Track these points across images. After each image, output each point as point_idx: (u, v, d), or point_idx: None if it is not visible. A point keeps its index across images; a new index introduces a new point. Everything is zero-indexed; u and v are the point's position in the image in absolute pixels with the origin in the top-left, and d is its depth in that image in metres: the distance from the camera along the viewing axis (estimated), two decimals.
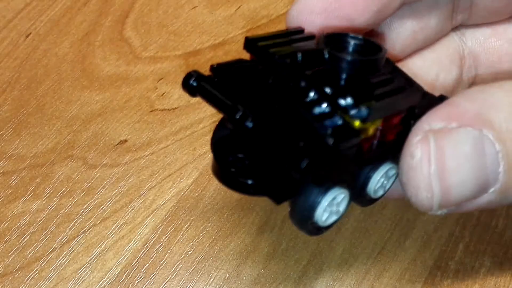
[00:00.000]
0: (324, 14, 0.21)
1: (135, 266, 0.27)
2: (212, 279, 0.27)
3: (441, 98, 0.20)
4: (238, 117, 0.17)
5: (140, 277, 0.27)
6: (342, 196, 0.18)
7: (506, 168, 0.17)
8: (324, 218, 0.18)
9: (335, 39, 0.20)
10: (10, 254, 0.28)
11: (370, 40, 0.20)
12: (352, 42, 0.20)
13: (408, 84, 0.20)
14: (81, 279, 0.27)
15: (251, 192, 0.19)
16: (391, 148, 0.19)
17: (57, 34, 0.35)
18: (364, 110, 0.17)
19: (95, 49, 0.35)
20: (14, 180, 0.30)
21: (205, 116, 0.31)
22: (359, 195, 0.20)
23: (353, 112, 0.17)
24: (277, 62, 0.18)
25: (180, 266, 0.27)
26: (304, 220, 0.19)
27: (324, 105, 0.17)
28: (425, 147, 0.17)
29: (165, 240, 0.28)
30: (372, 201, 0.20)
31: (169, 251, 0.28)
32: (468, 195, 0.17)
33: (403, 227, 0.28)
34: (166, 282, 0.27)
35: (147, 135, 0.31)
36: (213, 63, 0.19)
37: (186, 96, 0.32)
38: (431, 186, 0.17)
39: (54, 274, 0.27)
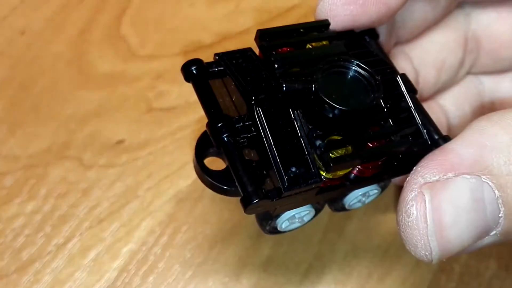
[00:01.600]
0: (360, 2, 0.21)
1: (132, 269, 0.27)
2: (211, 283, 0.27)
3: (444, 139, 0.20)
4: (253, 100, 0.17)
5: (137, 281, 0.27)
6: (306, 212, 0.20)
7: (507, 213, 0.17)
8: (284, 226, 0.20)
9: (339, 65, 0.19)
10: (5, 256, 0.28)
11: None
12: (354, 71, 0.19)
13: (419, 131, 0.19)
14: (77, 282, 0.27)
15: (225, 194, 0.20)
16: (374, 179, 0.19)
17: (52, 31, 0.35)
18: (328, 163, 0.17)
19: (91, 47, 0.34)
20: (9, 181, 0.30)
21: (203, 116, 0.31)
22: (334, 202, 0.21)
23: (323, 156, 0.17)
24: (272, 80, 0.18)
25: (178, 269, 0.27)
26: (263, 224, 0.20)
27: (299, 143, 0.17)
28: (421, 204, 0.17)
29: (163, 243, 0.28)
30: (345, 210, 0.21)
31: (167, 254, 0.27)
32: (467, 244, 0.17)
33: None
34: (164, 286, 0.27)
35: (145, 135, 0.31)
36: (217, 52, 0.20)
37: (184, 95, 0.31)
38: (428, 244, 0.17)
39: (49, 277, 0.27)
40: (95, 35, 0.35)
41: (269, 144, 0.17)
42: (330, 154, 0.17)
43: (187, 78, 0.20)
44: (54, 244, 0.28)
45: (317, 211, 0.21)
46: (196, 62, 0.20)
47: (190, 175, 0.29)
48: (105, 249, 0.28)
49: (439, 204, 0.17)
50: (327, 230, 0.28)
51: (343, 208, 0.21)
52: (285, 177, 0.17)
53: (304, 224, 0.22)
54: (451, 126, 0.26)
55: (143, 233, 0.28)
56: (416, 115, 0.19)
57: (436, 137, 0.20)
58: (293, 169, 0.17)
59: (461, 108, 0.27)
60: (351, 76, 0.18)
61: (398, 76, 0.20)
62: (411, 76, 0.23)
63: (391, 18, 0.22)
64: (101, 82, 0.33)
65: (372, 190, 0.21)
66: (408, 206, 0.17)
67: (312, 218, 0.22)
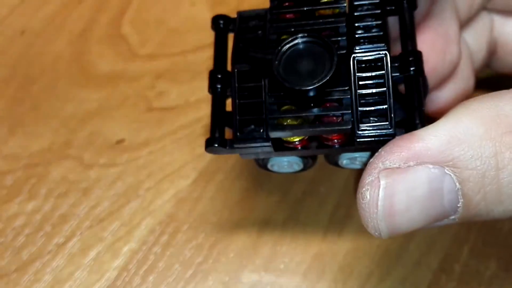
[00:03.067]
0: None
1: (132, 268, 0.27)
2: (211, 283, 0.27)
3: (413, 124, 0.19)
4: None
5: (137, 280, 0.27)
6: (293, 161, 0.22)
7: (466, 204, 0.17)
8: (273, 168, 0.23)
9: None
10: (5, 255, 0.28)
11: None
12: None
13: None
14: (77, 282, 0.27)
15: None
16: (336, 148, 0.21)
17: (53, 31, 0.35)
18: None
19: (92, 46, 0.34)
20: (9, 180, 0.30)
21: (204, 115, 0.31)
22: (332, 160, 0.22)
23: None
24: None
25: (179, 269, 0.27)
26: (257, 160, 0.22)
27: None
28: (374, 190, 0.17)
29: (163, 242, 0.28)
30: (340, 166, 0.23)
31: (167, 253, 0.27)
32: (419, 227, 0.18)
33: None
34: (164, 285, 0.27)
35: (145, 134, 0.31)
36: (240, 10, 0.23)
37: (184, 95, 0.31)
38: (378, 226, 0.17)
39: (50, 276, 0.27)
40: (95, 34, 0.35)
41: (234, 103, 0.20)
42: (280, 121, 0.19)
43: (214, 29, 0.23)
44: (55, 244, 0.28)
45: (306, 163, 0.23)
46: (223, 17, 0.23)
47: (190, 175, 0.29)
48: (105, 249, 0.28)
49: (393, 192, 0.17)
50: (327, 230, 0.28)
51: (336, 164, 0.23)
52: (238, 133, 0.20)
53: (297, 172, 0.23)
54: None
55: (143, 232, 0.28)
56: (389, 98, 0.19)
57: (417, 122, 0.19)
58: (250, 127, 0.20)
59: (480, 45, 0.27)
60: (313, 51, 0.19)
61: (387, 55, 0.20)
62: (449, 5, 0.23)
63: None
64: (101, 82, 0.33)
65: (359, 158, 0.22)
66: (363, 189, 0.17)
67: (303, 168, 0.23)
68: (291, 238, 0.27)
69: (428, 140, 0.17)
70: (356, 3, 0.21)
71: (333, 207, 0.28)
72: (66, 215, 0.29)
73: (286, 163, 0.23)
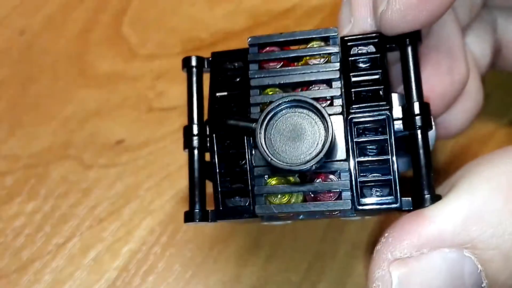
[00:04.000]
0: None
1: (132, 269, 0.27)
2: (211, 283, 0.27)
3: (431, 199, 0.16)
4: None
5: (137, 280, 0.27)
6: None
7: (490, 284, 0.15)
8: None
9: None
10: (5, 256, 0.28)
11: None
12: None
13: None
14: (77, 282, 0.27)
15: None
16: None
17: (52, 31, 0.35)
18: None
19: (92, 47, 0.34)
20: (9, 180, 0.30)
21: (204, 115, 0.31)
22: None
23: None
24: None
25: (179, 269, 0.27)
26: None
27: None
28: (385, 286, 0.15)
29: (163, 243, 0.28)
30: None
31: (167, 253, 0.27)
32: None
33: None
34: (164, 285, 0.27)
35: (145, 134, 0.31)
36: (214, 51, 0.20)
37: (184, 95, 0.31)
38: None
39: (49, 276, 0.27)
40: (95, 35, 0.34)
41: (215, 172, 0.18)
42: (268, 197, 0.17)
43: (186, 71, 0.20)
44: (54, 244, 0.28)
45: None
46: (197, 58, 0.20)
47: None
48: (105, 249, 0.28)
49: (408, 287, 0.15)
50: (327, 230, 0.28)
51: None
52: (220, 207, 0.18)
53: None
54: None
55: (143, 232, 0.28)
56: (393, 166, 0.16)
57: (426, 193, 0.16)
58: (234, 199, 0.18)
59: (485, 49, 0.25)
60: (302, 117, 0.16)
61: (389, 117, 0.17)
62: (449, 16, 0.21)
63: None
64: (101, 82, 0.33)
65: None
66: (373, 285, 0.15)
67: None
68: (291, 238, 0.27)
69: (440, 221, 0.15)
70: (350, 42, 0.18)
71: None
72: (66, 216, 0.29)
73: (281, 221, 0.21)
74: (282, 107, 0.16)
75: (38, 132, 0.31)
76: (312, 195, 0.17)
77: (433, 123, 0.18)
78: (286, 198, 0.17)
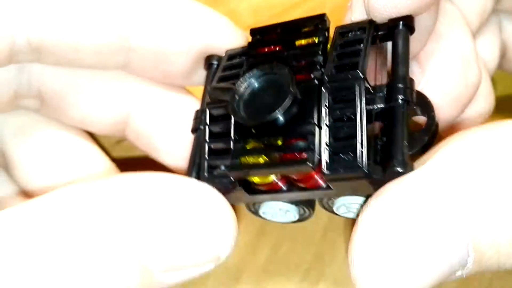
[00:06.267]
0: None
1: None
2: (211, 283, 0.27)
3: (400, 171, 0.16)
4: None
5: None
6: (286, 209, 0.21)
7: (477, 259, 0.16)
8: (266, 216, 0.22)
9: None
10: None
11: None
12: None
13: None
14: None
15: None
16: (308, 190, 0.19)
17: None
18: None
19: None
20: None
21: None
22: (327, 206, 0.20)
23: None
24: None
25: None
26: (249, 205, 0.21)
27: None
28: (368, 263, 0.15)
29: None
30: (334, 213, 0.21)
31: None
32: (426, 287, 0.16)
33: None
34: None
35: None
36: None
37: None
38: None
39: None
40: None
41: (203, 140, 0.20)
42: (242, 159, 0.18)
43: (206, 68, 0.22)
44: None
45: (301, 213, 0.22)
46: (216, 57, 0.22)
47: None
48: None
49: (390, 263, 0.15)
50: (327, 230, 0.27)
51: (332, 211, 0.21)
52: (206, 173, 0.19)
53: (294, 222, 0.22)
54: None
55: None
56: (360, 130, 0.17)
57: (397, 157, 0.16)
58: (219, 169, 0.19)
59: (493, 52, 0.26)
60: (275, 85, 0.18)
61: (361, 83, 0.17)
62: (461, 21, 0.22)
63: None
64: None
65: (353, 204, 0.19)
66: (353, 256, 0.16)
67: (300, 219, 0.22)
68: (291, 238, 0.27)
69: (431, 191, 0.15)
70: (341, 30, 0.19)
71: None
72: None
73: (279, 211, 0.21)
74: (253, 78, 0.18)
75: None
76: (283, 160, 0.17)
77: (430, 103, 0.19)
78: (261, 161, 0.18)
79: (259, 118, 0.17)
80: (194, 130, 0.21)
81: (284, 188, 0.19)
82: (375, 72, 0.19)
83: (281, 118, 0.17)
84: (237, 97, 0.18)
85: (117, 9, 0.21)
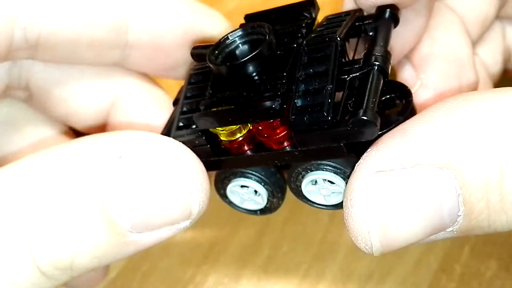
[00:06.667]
0: None
1: (132, 269, 0.27)
2: (211, 283, 0.26)
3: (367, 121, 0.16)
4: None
5: (137, 280, 0.27)
6: (252, 186, 0.20)
7: (467, 213, 0.15)
8: (232, 199, 0.21)
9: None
10: None
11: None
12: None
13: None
14: None
15: None
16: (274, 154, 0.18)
17: None
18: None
19: None
20: None
21: None
22: (289, 180, 0.19)
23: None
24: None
25: (179, 269, 0.27)
26: (218, 186, 0.21)
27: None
28: (365, 197, 0.15)
29: (162, 243, 0.27)
30: (305, 198, 0.20)
31: (167, 254, 0.27)
32: (415, 240, 0.16)
33: None
34: (164, 286, 0.27)
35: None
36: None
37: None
38: (369, 239, 0.15)
39: None
40: None
41: (180, 101, 0.20)
42: (212, 109, 0.18)
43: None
44: None
45: (271, 201, 0.21)
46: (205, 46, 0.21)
47: None
48: None
49: (387, 200, 0.15)
50: (327, 231, 0.27)
51: (300, 192, 0.20)
52: (176, 127, 0.19)
53: (261, 210, 0.21)
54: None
55: None
56: (329, 87, 0.17)
57: (361, 114, 0.16)
58: (190, 124, 0.19)
59: (496, 58, 0.26)
60: (254, 44, 0.19)
61: (336, 43, 0.18)
62: (458, 27, 0.22)
63: None
64: None
65: (332, 186, 0.19)
66: (352, 195, 0.15)
67: (267, 206, 0.21)
68: (291, 238, 0.27)
69: (424, 137, 0.15)
70: (330, 17, 0.20)
71: None
72: None
73: (246, 193, 0.20)
74: (236, 35, 0.19)
75: None
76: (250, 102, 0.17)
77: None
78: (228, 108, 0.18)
79: (232, 63, 0.18)
80: (175, 102, 0.22)
81: (249, 152, 0.19)
82: (354, 54, 0.19)
83: (251, 65, 0.17)
84: (217, 50, 0.19)
85: (114, 3, 0.21)
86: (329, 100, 0.16)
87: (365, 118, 0.16)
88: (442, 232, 0.16)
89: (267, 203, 0.20)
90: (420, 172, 0.15)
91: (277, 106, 0.17)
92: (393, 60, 0.21)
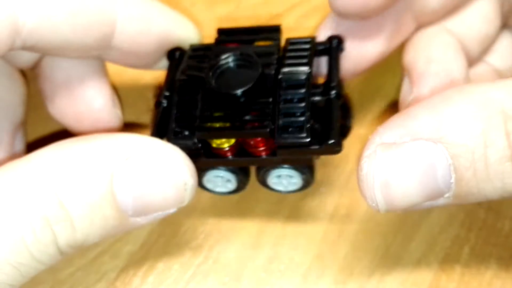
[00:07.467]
0: None
1: (132, 269, 0.27)
2: (211, 283, 0.26)
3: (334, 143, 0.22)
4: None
5: (137, 281, 0.27)
6: (226, 179, 0.25)
7: (458, 179, 0.18)
8: (208, 186, 0.26)
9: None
10: None
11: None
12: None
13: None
14: (76, 282, 0.27)
15: None
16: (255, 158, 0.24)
17: None
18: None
19: None
20: None
21: None
22: (258, 173, 0.25)
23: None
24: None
25: (178, 269, 0.27)
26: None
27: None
28: (371, 161, 0.19)
29: (162, 243, 0.28)
30: (269, 188, 0.26)
31: (167, 254, 0.27)
32: (416, 202, 0.19)
33: (408, 229, 0.27)
34: (164, 286, 0.27)
35: (145, 134, 0.31)
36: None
37: None
38: (375, 198, 0.19)
39: (49, 277, 0.27)
40: None
41: (172, 110, 0.23)
42: (208, 124, 0.22)
43: (169, 59, 0.26)
44: None
45: (239, 184, 0.25)
46: (179, 49, 0.26)
47: None
48: (105, 249, 0.27)
49: (388, 164, 0.18)
50: (327, 230, 0.27)
51: (266, 183, 0.25)
52: (172, 132, 0.23)
53: (231, 192, 0.26)
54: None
55: (143, 233, 0.28)
56: (307, 111, 0.22)
57: (331, 140, 0.22)
58: (183, 131, 0.23)
59: (507, 63, 0.27)
60: (243, 68, 0.23)
61: (309, 76, 0.23)
62: (453, 48, 0.25)
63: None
64: None
65: (291, 179, 0.24)
66: (362, 161, 0.19)
67: (237, 188, 0.26)
68: (291, 238, 0.27)
69: (422, 117, 0.18)
70: (292, 41, 0.25)
71: (333, 207, 0.28)
72: None
73: (220, 182, 0.25)
74: (229, 59, 0.23)
75: (38, 132, 0.31)
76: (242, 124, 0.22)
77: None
78: (225, 125, 0.22)
79: (229, 89, 0.22)
80: (157, 104, 0.25)
81: (233, 156, 0.24)
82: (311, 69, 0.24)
83: (245, 95, 0.22)
84: (211, 72, 0.23)
85: (104, 13, 0.24)
86: (308, 125, 0.21)
87: (334, 142, 0.21)
88: (440, 199, 0.19)
89: (236, 185, 0.25)
90: (417, 144, 0.18)
91: (271, 129, 0.22)
92: (360, 71, 0.27)
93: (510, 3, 0.26)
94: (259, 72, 0.22)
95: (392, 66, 0.29)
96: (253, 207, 0.28)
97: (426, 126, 0.18)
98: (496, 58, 0.27)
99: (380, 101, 0.31)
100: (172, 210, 0.21)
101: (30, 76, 0.29)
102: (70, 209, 0.19)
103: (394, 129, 0.19)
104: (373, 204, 0.19)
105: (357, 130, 0.30)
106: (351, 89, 0.28)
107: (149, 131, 0.31)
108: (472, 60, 0.27)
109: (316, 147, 0.21)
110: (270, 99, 0.22)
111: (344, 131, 0.24)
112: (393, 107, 0.30)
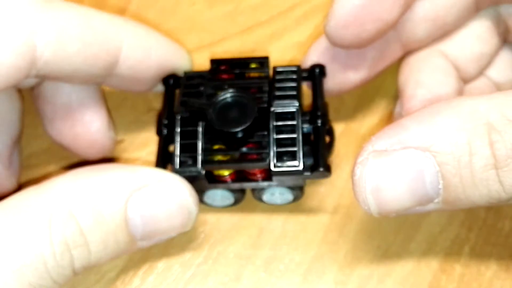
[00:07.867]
0: (358, 23, 0.24)
1: (132, 269, 0.27)
2: (211, 283, 0.26)
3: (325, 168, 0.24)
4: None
5: (137, 281, 0.27)
6: (225, 195, 0.27)
7: (446, 185, 0.19)
8: (208, 201, 0.27)
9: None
10: None
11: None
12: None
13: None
14: (76, 283, 0.27)
15: None
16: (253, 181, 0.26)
17: None
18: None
19: None
20: None
21: None
22: (254, 193, 0.27)
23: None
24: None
25: (179, 269, 0.27)
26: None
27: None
28: (364, 167, 0.20)
29: (162, 243, 0.27)
30: (264, 202, 0.28)
31: (167, 254, 0.27)
32: (406, 206, 0.20)
33: (408, 229, 0.27)
34: (164, 286, 0.27)
35: (145, 135, 0.31)
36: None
37: None
38: (367, 202, 0.20)
39: None
40: None
41: (176, 141, 0.25)
42: (211, 157, 0.24)
43: (164, 85, 0.28)
44: None
45: (237, 199, 0.27)
46: (173, 76, 0.28)
47: None
48: None
49: (379, 170, 0.20)
50: (327, 230, 0.27)
51: (261, 199, 0.27)
52: (177, 163, 0.24)
53: (229, 206, 0.27)
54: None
55: None
56: (298, 143, 0.24)
57: (320, 163, 0.24)
58: (187, 161, 0.24)
59: (507, 76, 0.28)
60: (240, 104, 0.25)
61: (299, 110, 0.25)
62: (442, 72, 0.26)
63: (391, 28, 0.26)
64: None
65: (283, 195, 0.27)
66: (355, 167, 0.20)
67: (234, 202, 0.27)
68: (291, 238, 0.27)
69: (411, 128, 0.20)
70: (278, 69, 0.26)
71: (333, 207, 0.28)
72: None
73: (219, 198, 0.27)
74: (228, 95, 0.25)
75: (37, 132, 0.30)
76: (242, 159, 0.24)
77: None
78: (224, 158, 0.24)
79: (230, 127, 0.24)
80: (159, 132, 0.27)
81: (232, 181, 0.26)
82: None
83: (243, 131, 0.24)
84: (212, 108, 0.25)
85: (111, 44, 0.25)
86: (301, 154, 0.24)
87: (323, 170, 0.24)
88: (430, 204, 0.20)
89: (234, 201, 0.27)
90: (406, 152, 0.20)
91: (269, 161, 0.24)
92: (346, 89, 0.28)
93: (506, 24, 0.27)
94: (255, 111, 0.24)
95: (392, 66, 0.29)
96: (253, 207, 0.28)
97: (415, 136, 0.19)
98: (495, 71, 0.28)
99: (380, 101, 0.31)
100: (174, 234, 0.24)
101: (25, 93, 0.29)
102: (88, 235, 0.21)
103: (386, 138, 0.20)
104: (366, 207, 0.20)
105: (357, 130, 0.30)
106: (351, 89, 0.28)
107: (148, 131, 0.31)
108: (469, 78, 0.28)
109: (308, 173, 0.24)
110: (265, 132, 0.24)
111: (329, 148, 0.26)
112: (393, 107, 0.30)
